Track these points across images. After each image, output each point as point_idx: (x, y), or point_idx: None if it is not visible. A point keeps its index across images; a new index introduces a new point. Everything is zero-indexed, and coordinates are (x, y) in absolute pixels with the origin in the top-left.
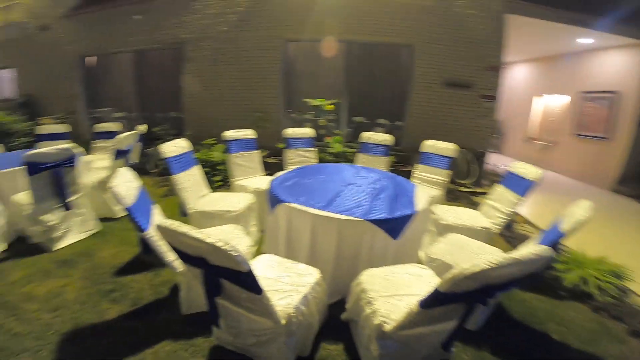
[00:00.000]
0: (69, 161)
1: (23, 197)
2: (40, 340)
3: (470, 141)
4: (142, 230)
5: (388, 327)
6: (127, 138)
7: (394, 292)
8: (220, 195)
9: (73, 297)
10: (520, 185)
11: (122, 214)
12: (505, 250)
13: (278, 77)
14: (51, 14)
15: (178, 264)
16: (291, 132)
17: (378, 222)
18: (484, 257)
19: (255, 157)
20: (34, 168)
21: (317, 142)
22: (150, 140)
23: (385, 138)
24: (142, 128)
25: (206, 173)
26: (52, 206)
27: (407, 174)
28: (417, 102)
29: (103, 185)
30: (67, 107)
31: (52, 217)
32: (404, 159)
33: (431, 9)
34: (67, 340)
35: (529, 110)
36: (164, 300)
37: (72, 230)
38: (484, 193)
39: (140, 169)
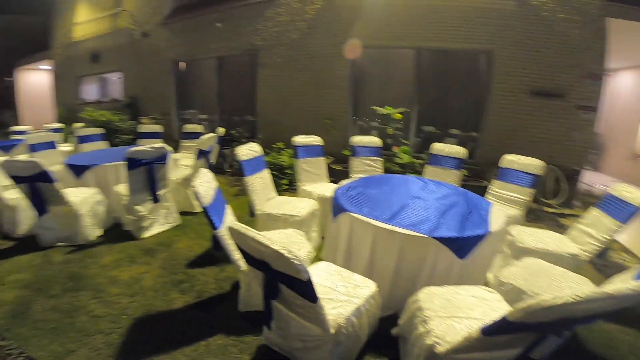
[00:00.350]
0: (161, 159)
1: (122, 188)
2: (114, 323)
3: (562, 157)
4: (215, 228)
5: (441, 349)
6: (209, 140)
7: (452, 314)
8: (286, 199)
9: (150, 284)
10: (622, 211)
11: (200, 209)
12: (594, 281)
13: (346, 84)
14: (151, 21)
15: (242, 263)
16: (358, 140)
17: (445, 241)
18: (567, 286)
19: (321, 163)
20: (133, 163)
21: (383, 151)
22: (227, 141)
23: (457, 150)
24: (221, 131)
25: (274, 176)
26: (144, 198)
27: (481, 190)
28: (495, 112)
29: (186, 182)
30: (162, 108)
31: (143, 209)
32: (477, 174)
33: (514, 14)
34: (136, 325)
35: (636, 123)
36: (225, 295)
37: (158, 222)
38: (575, 216)
39: (217, 169)
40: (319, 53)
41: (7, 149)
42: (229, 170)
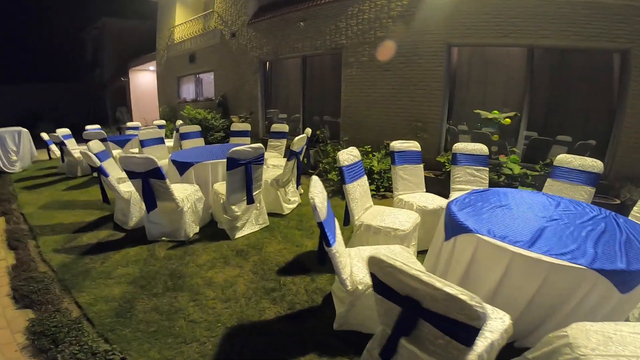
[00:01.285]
0: (259, 159)
1: (220, 187)
2: (209, 331)
3: None
4: (329, 245)
5: None
6: (300, 140)
7: (617, 352)
8: (384, 210)
9: (242, 289)
10: None
11: (288, 211)
12: None
13: (440, 85)
14: (238, 21)
15: (349, 283)
16: (462, 147)
17: (608, 273)
18: None
19: (419, 171)
20: (233, 163)
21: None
22: (310, 142)
23: (591, 163)
24: (308, 131)
25: None
26: (240, 198)
27: (613, 209)
28: (634, 120)
29: (276, 182)
30: (249, 107)
31: (238, 209)
32: (604, 189)
33: None
34: (230, 335)
35: None
36: (317, 309)
37: (249, 222)
38: None
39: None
40: (407, 52)
41: (121, 143)
42: (311, 172)
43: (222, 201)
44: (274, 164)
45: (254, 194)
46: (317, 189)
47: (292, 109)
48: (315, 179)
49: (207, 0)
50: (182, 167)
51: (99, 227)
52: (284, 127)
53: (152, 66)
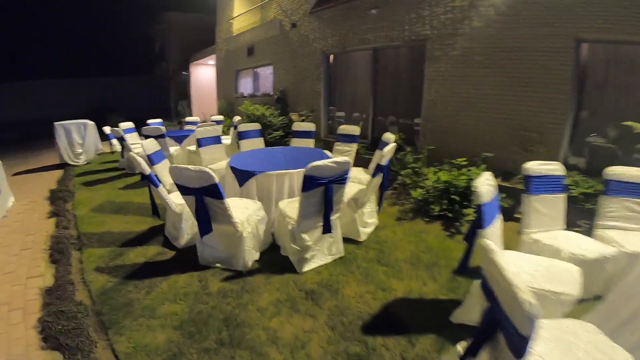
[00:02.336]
0: (342, 177)
1: (287, 207)
2: None
3: None
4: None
5: None
6: (390, 151)
7: None
8: (527, 259)
9: (317, 354)
10: None
11: (365, 237)
12: None
13: (564, 88)
14: (299, 10)
15: None
16: (619, 171)
17: None
18: None
19: (560, 203)
20: (310, 183)
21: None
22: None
23: None
24: (390, 137)
25: (452, 201)
26: (313, 225)
27: None
28: None
29: (354, 202)
30: (310, 104)
31: (309, 238)
32: None
33: None
34: None
35: None
36: None
37: (321, 252)
38: None
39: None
40: (516, 47)
41: (179, 139)
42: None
43: (290, 227)
44: (355, 177)
45: (332, 219)
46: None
47: (358, 107)
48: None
49: None
50: (243, 176)
51: (149, 240)
52: (355, 129)
53: (211, 60)
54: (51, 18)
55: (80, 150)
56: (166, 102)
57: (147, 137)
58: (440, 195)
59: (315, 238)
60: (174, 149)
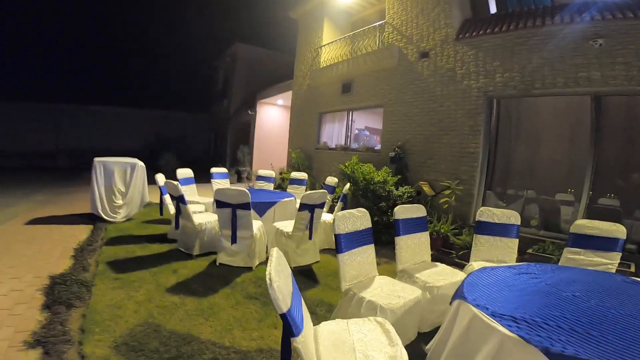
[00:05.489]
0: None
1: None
2: None
3: None
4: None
5: None
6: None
7: None
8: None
9: None
10: None
11: None
12: None
13: None
14: (434, 36)
15: None
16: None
17: None
18: None
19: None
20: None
21: None
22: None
23: None
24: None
25: None
26: None
27: None
28: None
29: None
30: (454, 170)
31: None
32: None
33: None
34: None
35: None
36: None
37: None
38: None
39: None
40: None
41: (260, 209)
42: None
43: None
44: None
45: None
46: None
47: (568, 185)
48: None
49: (371, 13)
50: None
51: None
52: (607, 228)
53: (281, 99)
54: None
55: (120, 202)
56: (222, 146)
57: (219, 204)
58: None
59: None
60: (255, 227)
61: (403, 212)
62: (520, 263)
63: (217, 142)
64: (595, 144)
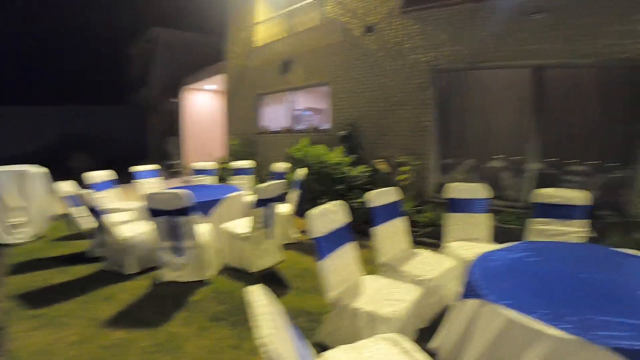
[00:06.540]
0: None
1: None
2: None
3: None
4: None
5: None
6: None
7: None
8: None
9: None
10: None
11: None
12: None
13: None
14: (379, 9)
15: None
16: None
17: None
18: None
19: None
20: None
21: None
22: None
23: None
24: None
25: None
26: None
27: None
28: None
29: None
30: (410, 146)
31: None
32: None
33: None
34: None
35: None
36: None
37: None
38: None
39: None
40: None
41: (204, 207)
42: None
43: None
44: None
45: None
46: None
47: (516, 151)
48: None
49: None
50: None
51: None
52: (574, 196)
53: (212, 84)
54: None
55: (20, 220)
56: (147, 140)
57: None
58: None
59: None
60: (202, 231)
61: (377, 197)
62: (511, 243)
63: (140, 135)
64: (537, 112)
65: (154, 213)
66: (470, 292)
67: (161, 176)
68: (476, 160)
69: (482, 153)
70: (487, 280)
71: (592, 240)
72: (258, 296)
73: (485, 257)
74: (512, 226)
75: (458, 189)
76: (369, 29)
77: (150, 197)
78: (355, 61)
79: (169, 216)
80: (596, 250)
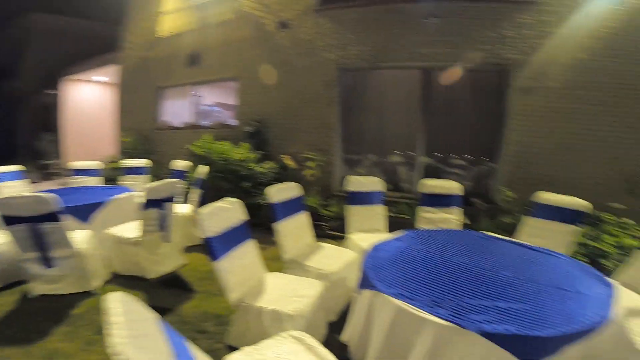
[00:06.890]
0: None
1: None
2: None
3: None
4: None
5: None
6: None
7: None
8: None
9: None
10: None
11: None
12: None
13: None
14: (294, 6)
15: None
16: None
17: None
18: None
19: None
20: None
21: None
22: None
23: None
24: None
25: None
26: None
27: None
28: None
29: None
30: (316, 142)
31: None
32: None
33: None
34: None
35: None
36: None
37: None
38: None
39: None
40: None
41: (82, 213)
42: None
43: None
44: None
45: None
46: None
47: (408, 146)
48: None
49: None
50: None
51: None
52: (452, 186)
53: (100, 75)
54: None
55: None
56: (12, 136)
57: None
58: None
59: None
60: (80, 239)
61: (278, 193)
62: (400, 232)
63: (8, 131)
64: (425, 111)
65: (9, 221)
66: (365, 282)
67: (29, 178)
68: (377, 155)
69: (382, 148)
70: (376, 270)
71: (466, 226)
72: (114, 303)
73: (376, 248)
74: (405, 216)
75: (357, 182)
76: (284, 25)
77: (2, 202)
78: (268, 57)
79: (29, 223)
80: (469, 235)
